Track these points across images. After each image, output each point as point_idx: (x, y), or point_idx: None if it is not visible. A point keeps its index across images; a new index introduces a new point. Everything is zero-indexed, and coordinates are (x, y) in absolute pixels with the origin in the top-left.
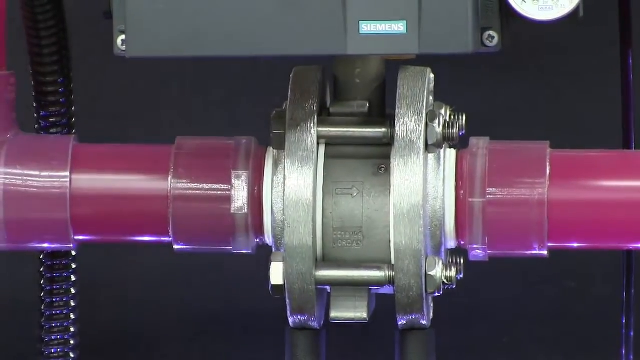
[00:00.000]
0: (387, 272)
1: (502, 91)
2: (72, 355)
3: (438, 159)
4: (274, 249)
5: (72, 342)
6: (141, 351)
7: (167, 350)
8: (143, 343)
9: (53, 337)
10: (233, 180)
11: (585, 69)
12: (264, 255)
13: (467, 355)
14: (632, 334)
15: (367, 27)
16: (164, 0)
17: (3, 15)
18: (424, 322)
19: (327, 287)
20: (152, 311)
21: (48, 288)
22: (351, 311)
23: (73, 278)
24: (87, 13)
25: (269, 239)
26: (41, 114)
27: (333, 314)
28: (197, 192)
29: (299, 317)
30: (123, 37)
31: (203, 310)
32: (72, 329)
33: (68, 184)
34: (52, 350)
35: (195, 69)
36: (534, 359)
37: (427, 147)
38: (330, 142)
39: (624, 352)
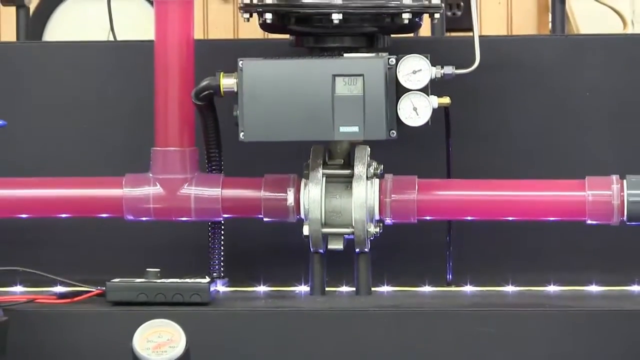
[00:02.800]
0: (350, 229)
1: (389, 157)
2: (222, 269)
3: (372, 183)
4: (305, 220)
5: (222, 263)
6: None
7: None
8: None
9: (215, 262)
10: (287, 191)
11: (429, 147)
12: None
13: None
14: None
15: (343, 128)
16: (259, 116)
17: (192, 116)
18: (366, 250)
19: (327, 236)
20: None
21: (210, 238)
22: (336, 245)
23: (222, 232)
24: (228, 124)
25: (303, 216)
26: (208, 164)
27: (329, 246)
28: (273, 195)
29: (314, 248)
30: (242, 133)
31: (276, 242)
32: (222, 258)
33: (220, 194)
34: (213, 267)
35: (272, 145)
36: None
37: (367, 178)
38: (327, 176)
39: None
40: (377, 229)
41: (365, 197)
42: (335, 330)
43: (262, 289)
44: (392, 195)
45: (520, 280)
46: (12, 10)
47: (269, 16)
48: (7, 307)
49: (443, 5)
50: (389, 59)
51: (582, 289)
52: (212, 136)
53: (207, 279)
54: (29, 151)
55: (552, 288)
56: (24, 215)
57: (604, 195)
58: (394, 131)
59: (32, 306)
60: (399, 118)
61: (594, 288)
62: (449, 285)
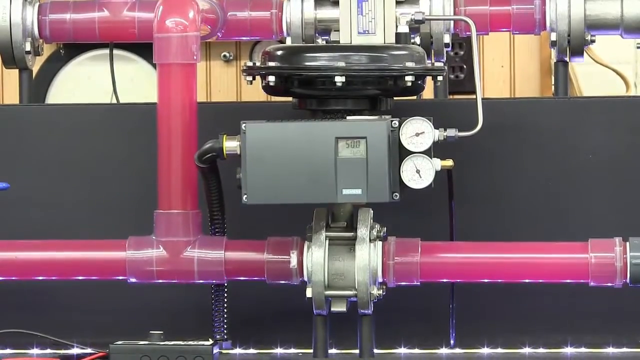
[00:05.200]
0: (354, 292)
1: (392, 219)
2: (225, 328)
3: (375, 246)
4: (308, 283)
5: (225, 325)
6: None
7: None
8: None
9: (218, 324)
10: (291, 254)
11: (432, 210)
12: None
13: None
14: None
15: (346, 191)
16: (262, 182)
17: (195, 178)
18: (369, 312)
19: (330, 298)
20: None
21: (213, 301)
22: (339, 307)
23: (225, 294)
24: (231, 186)
25: (306, 279)
26: (211, 227)
27: (332, 309)
28: (276, 258)
29: (317, 311)
30: (245, 195)
31: (281, 306)
32: (225, 320)
33: (223, 257)
34: (217, 329)
35: (280, 209)
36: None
37: (370, 241)
38: (330, 239)
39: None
40: (381, 291)
41: (368, 259)
42: None
43: (265, 351)
44: (395, 258)
45: (530, 342)
46: (15, 72)
47: (272, 79)
48: None
49: (446, 68)
50: (392, 121)
51: (598, 351)
52: (215, 199)
53: (211, 342)
54: (32, 213)
55: (568, 350)
56: (26, 278)
57: (607, 257)
58: (397, 194)
59: None
60: (402, 180)
61: (610, 350)
62: (452, 347)
